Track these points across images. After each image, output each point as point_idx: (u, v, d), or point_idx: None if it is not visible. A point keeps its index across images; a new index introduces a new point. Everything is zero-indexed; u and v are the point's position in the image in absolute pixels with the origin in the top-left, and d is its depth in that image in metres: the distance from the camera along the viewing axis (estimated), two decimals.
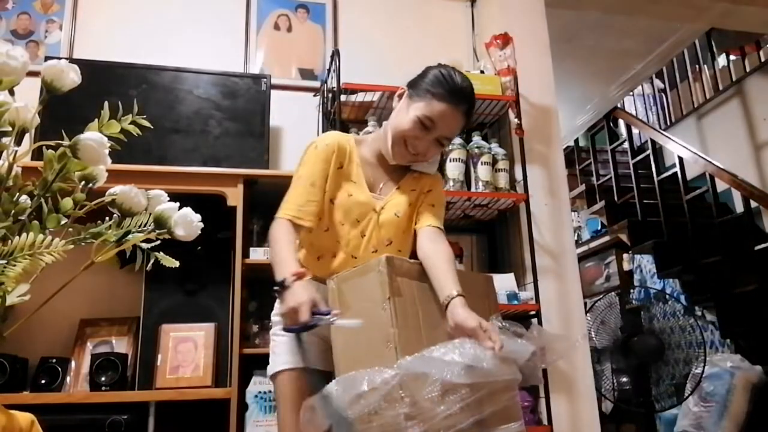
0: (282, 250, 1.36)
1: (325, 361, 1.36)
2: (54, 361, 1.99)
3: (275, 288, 1.29)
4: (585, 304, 2.72)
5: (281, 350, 1.42)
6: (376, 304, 1.26)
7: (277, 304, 1.47)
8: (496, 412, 1.22)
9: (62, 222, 0.87)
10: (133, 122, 0.93)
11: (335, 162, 1.47)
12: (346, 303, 1.34)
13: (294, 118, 2.61)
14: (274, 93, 2.46)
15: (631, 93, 5.53)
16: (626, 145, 5.09)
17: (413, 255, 1.48)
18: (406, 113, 1.45)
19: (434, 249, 1.42)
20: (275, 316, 1.48)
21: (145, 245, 0.93)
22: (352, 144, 1.53)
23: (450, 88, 1.42)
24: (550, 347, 1.35)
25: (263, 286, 1.61)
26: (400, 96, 1.50)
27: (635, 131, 5.30)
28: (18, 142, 0.85)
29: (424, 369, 1.14)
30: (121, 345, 2.09)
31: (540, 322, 2.21)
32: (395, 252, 1.45)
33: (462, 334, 1.22)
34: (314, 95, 2.58)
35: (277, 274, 1.31)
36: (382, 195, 1.52)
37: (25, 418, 0.89)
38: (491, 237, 2.65)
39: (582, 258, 4.77)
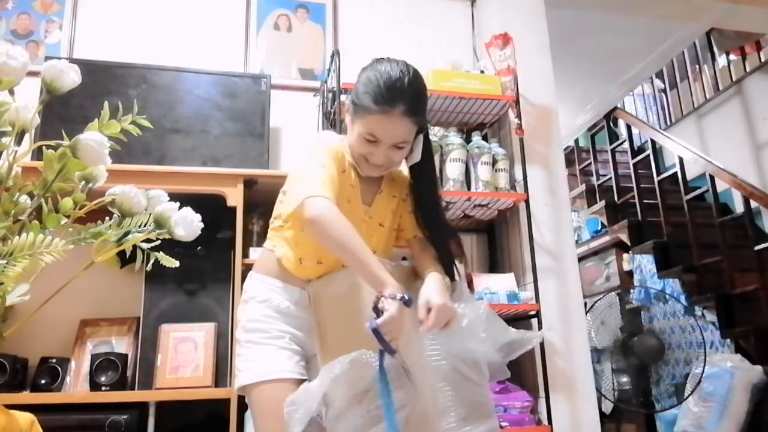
0: (366, 249, 1.22)
1: (303, 369, 1.35)
2: (54, 361, 1.99)
3: (401, 298, 1.17)
4: (585, 304, 2.72)
5: (261, 359, 1.32)
6: (367, 306, 1.25)
7: (253, 309, 1.38)
8: (470, 409, 1.24)
9: (62, 222, 0.87)
10: (133, 122, 0.93)
11: (339, 166, 1.38)
12: (330, 307, 1.34)
13: (294, 118, 2.61)
14: (274, 93, 2.47)
15: (631, 93, 5.53)
16: (626, 145, 5.08)
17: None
18: (352, 131, 1.37)
19: (424, 256, 1.46)
20: (251, 323, 1.37)
21: (145, 245, 0.93)
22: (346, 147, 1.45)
23: (376, 95, 1.30)
24: (512, 343, 1.37)
25: None
26: (348, 111, 1.41)
27: (635, 131, 5.29)
28: (18, 142, 0.85)
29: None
30: (121, 345, 2.09)
31: (540, 322, 2.21)
32: None
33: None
34: (314, 95, 2.58)
35: (380, 279, 1.19)
36: (367, 202, 1.45)
37: (25, 418, 0.89)
38: (491, 237, 2.65)
39: (582, 258, 4.77)
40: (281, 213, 1.43)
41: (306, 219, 1.23)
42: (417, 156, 1.42)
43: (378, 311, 1.16)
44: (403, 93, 1.31)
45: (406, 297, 1.18)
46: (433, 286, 1.29)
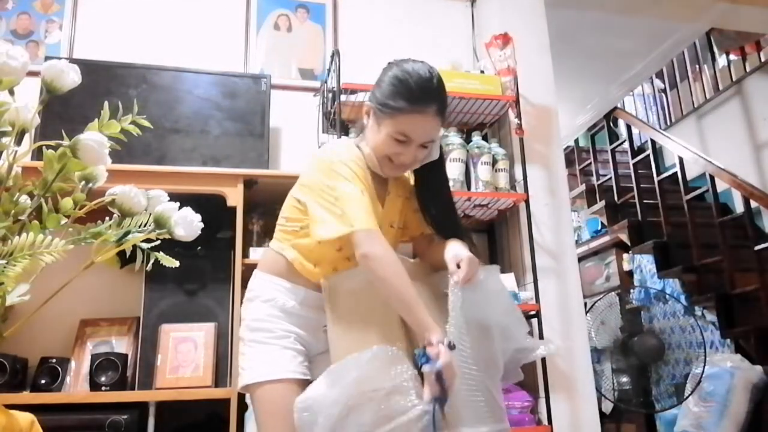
0: (415, 294, 1.22)
1: (307, 369, 1.35)
2: (54, 361, 1.99)
3: (448, 343, 1.18)
4: (585, 304, 2.72)
5: (265, 359, 1.32)
6: (383, 303, 1.27)
7: (257, 308, 1.38)
8: (487, 410, 1.24)
9: (62, 222, 0.87)
10: (133, 122, 0.93)
11: (365, 177, 1.36)
12: (346, 301, 1.34)
13: (294, 118, 2.61)
14: (274, 93, 2.47)
15: (631, 93, 5.53)
16: (626, 145, 5.08)
17: None
18: (378, 132, 1.35)
19: (435, 245, 1.47)
20: (256, 322, 1.36)
21: (145, 245, 0.93)
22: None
23: (410, 94, 1.30)
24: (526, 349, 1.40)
25: None
26: (368, 113, 1.40)
27: (635, 131, 5.30)
28: (18, 142, 0.85)
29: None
30: (121, 345, 2.09)
31: (540, 322, 2.21)
32: None
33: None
34: (314, 95, 2.58)
35: (428, 325, 1.19)
36: (379, 205, 1.42)
37: (25, 418, 0.89)
38: (491, 237, 2.65)
39: (582, 258, 4.77)
40: (300, 218, 1.39)
41: (361, 253, 1.24)
42: (435, 154, 1.44)
43: (426, 356, 1.16)
44: (435, 92, 1.33)
45: (452, 343, 1.20)
46: (457, 245, 1.35)
